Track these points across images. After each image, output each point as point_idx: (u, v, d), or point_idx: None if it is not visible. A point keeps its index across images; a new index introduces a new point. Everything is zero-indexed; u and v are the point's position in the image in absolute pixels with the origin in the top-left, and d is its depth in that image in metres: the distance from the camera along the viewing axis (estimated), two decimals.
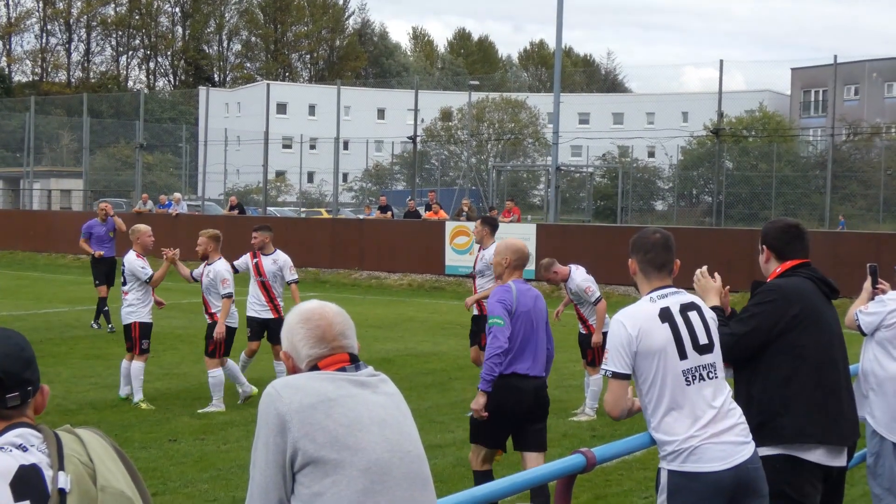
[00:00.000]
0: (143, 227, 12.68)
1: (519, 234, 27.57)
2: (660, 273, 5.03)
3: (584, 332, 12.44)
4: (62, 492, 2.54)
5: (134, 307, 12.15)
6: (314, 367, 3.45)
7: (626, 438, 5.68)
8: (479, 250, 12.92)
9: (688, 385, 4.81)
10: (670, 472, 4.85)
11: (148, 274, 12.06)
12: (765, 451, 5.14)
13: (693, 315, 4.92)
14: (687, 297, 5.00)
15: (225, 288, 11.78)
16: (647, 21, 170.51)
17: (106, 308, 17.62)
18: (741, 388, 5.16)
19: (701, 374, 4.85)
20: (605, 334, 11.99)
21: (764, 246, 5.69)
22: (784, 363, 5.36)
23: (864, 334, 6.96)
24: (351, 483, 3.21)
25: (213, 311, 11.97)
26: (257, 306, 12.49)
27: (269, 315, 12.43)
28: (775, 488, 5.04)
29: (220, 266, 11.96)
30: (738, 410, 4.95)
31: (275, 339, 11.90)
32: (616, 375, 4.86)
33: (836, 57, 37.49)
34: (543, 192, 46.69)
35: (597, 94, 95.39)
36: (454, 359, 15.56)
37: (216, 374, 11.77)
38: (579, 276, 12.12)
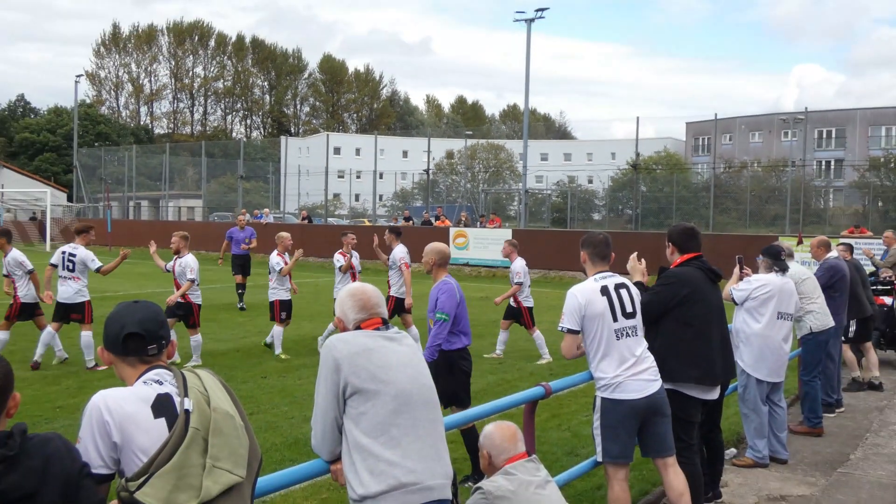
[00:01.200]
0: (285, 234, 12.41)
1: (499, 236, 27.56)
2: (602, 262, 5.05)
3: (513, 306, 12.14)
4: (187, 412, 2.53)
5: (276, 289, 11.96)
6: (357, 328, 3.45)
7: (572, 375, 5.68)
8: (375, 248, 12.75)
9: (617, 340, 4.83)
10: (602, 398, 4.89)
11: (280, 266, 11.89)
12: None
13: (623, 291, 4.95)
14: (619, 279, 5.02)
15: (190, 275, 11.04)
16: (587, 89, 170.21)
17: (241, 291, 17.21)
18: (648, 342, 5.15)
19: (626, 332, 4.87)
20: (530, 308, 12.16)
21: (669, 242, 5.68)
22: (674, 327, 5.38)
23: (736, 304, 6.98)
24: (385, 405, 3.23)
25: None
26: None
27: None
28: (670, 411, 5.07)
29: (189, 259, 11.25)
30: (651, 358, 4.97)
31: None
32: (570, 331, 4.90)
33: (716, 114, 37.92)
34: (517, 207, 46.62)
35: (553, 140, 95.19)
36: None
37: (196, 339, 11.17)
38: (519, 265, 12.07)
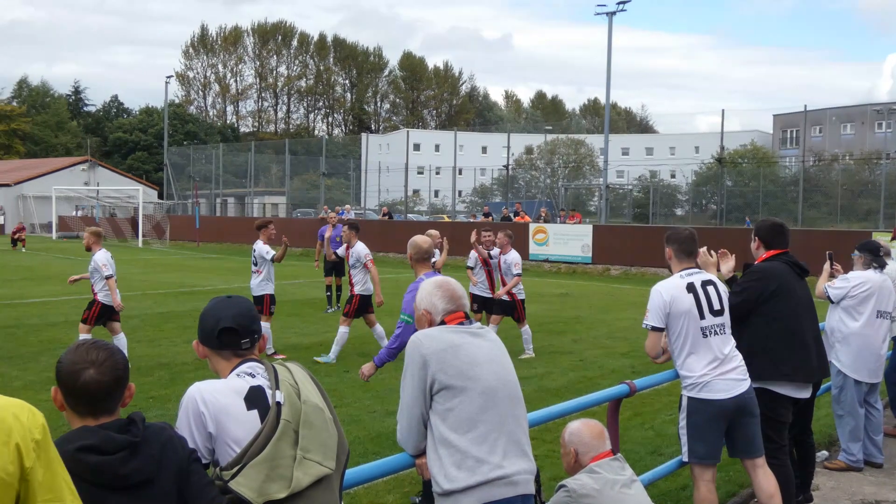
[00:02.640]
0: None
1: (579, 232, 27.31)
2: (688, 258, 4.94)
3: (506, 299, 11.61)
4: (278, 404, 2.58)
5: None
6: (442, 321, 3.45)
7: (657, 374, 5.58)
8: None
9: (704, 337, 4.73)
10: (689, 398, 4.79)
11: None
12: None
13: (710, 288, 4.83)
14: (706, 275, 4.91)
15: (105, 271, 10.24)
16: (670, 82, 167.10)
17: (329, 294, 16.76)
18: (736, 340, 5.02)
19: (714, 330, 4.76)
20: (522, 301, 11.68)
21: (756, 237, 5.54)
22: (762, 324, 5.23)
23: (832, 302, 6.73)
24: (472, 401, 3.23)
25: (95, 290, 10.42)
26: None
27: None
28: (759, 411, 4.94)
29: (100, 255, 10.34)
30: (740, 357, 4.85)
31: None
32: (654, 329, 4.81)
33: (805, 106, 36.63)
34: (597, 203, 46.05)
35: (634, 134, 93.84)
36: (535, 317, 15.43)
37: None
38: (516, 256, 11.78)
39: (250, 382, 2.67)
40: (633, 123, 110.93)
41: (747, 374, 4.82)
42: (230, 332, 2.77)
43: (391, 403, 7.96)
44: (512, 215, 32.14)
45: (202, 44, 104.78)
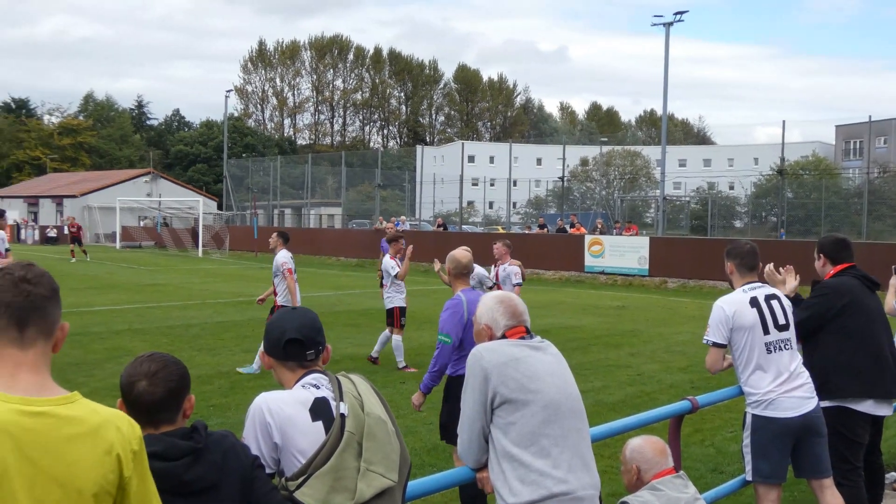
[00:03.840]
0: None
1: (636, 244, 26.99)
2: (750, 273, 4.85)
3: None
4: (342, 416, 2.60)
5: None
6: (503, 336, 3.44)
7: (719, 390, 5.47)
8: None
9: (769, 353, 4.63)
10: (754, 415, 4.69)
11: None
12: (826, 403, 4.92)
13: (775, 303, 4.73)
14: (770, 290, 4.82)
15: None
16: (727, 93, 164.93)
17: None
18: (806, 358, 4.89)
19: (779, 346, 4.66)
20: None
21: (821, 254, 5.40)
22: (835, 340, 5.09)
23: None
24: (534, 415, 3.20)
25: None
26: None
27: None
28: (835, 430, 4.80)
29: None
30: (806, 374, 4.74)
31: None
32: (715, 345, 4.72)
33: (870, 116, 35.70)
34: (654, 214, 45.53)
35: (692, 145, 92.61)
36: (591, 330, 15.34)
37: None
38: (515, 267, 11.51)
39: (315, 394, 2.69)
40: (690, 135, 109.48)
41: (814, 392, 4.70)
42: (295, 344, 2.79)
43: None
44: (567, 227, 31.96)
45: (260, 58, 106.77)
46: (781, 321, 4.69)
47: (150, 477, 2.06)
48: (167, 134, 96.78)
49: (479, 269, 10.76)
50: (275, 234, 11.70)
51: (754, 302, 4.69)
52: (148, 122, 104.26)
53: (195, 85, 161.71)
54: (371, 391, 2.77)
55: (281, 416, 2.60)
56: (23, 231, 53.84)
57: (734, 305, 4.69)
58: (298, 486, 2.48)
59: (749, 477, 4.76)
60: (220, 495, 2.31)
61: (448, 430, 5.32)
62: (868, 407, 5.06)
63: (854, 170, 55.14)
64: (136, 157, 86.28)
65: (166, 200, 55.14)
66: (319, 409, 2.64)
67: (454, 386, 5.29)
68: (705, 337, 4.80)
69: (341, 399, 2.65)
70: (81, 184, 61.19)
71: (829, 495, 4.70)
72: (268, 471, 2.56)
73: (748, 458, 4.71)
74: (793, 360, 4.70)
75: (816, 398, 4.69)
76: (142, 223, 54.02)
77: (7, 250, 11.50)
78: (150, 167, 69.25)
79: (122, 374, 2.41)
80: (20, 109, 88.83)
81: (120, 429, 1.98)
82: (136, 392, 2.34)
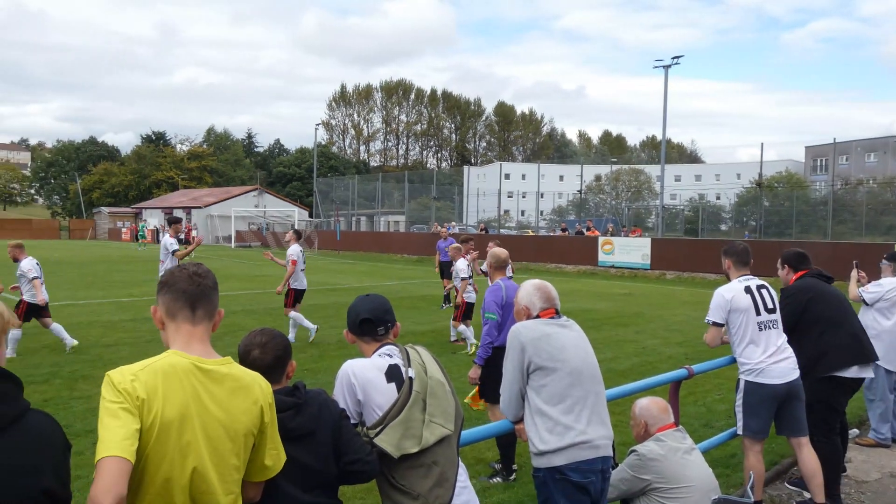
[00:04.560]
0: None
1: (639, 244, 26.53)
2: (744, 267, 4.74)
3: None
4: (410, 378, 2.60)
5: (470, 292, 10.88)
6: (538, 315, 3.40)
7: (710, 360, 5.34)
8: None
9: (760, 331, 4.51)
10: (747, 381, 4.57)
11: (174, 248, 10.75)
12: (818, 375, 4.80)
13: (763, 291, 4.62)
14: (759, 281, 4.70)
15: (31, 274, 9.55)
16: (715, 121, 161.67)
17: (447, 293, 16.15)
18: (794, 345, 4.72)
19: (768, 325, 4.54)
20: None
21: (785, 265, 5.22)
22: (815, 327, 4.93)
23: (866, 304, 6.32)
24: (561, 379, 3.17)
25: (24, 295, 9.68)
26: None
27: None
28: (820, 399, 4.69)
29: (25, 263, 9.63)
30: (790, 350, 4.60)
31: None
32: (714, 324, 4.63)
33: (835, 138, 34.69)
34: (654, 220, 44.79)
35: (685, 164, 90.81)
36: (604, 312, 15.14)
37: None
38: (461, 264, 11.02)
39: (388, 361, 2.69)
40: (683, 155, 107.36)
41: (797, 366, 4.57)
42: (368, 322, 2.79)
43: None
44: (584, 230, 31.61)
45: (342, 98, 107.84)
46: (770, 305, 4.57)
47: (276, 424, 2.12)
48: (270, 158, 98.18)
49: (459, 264, 10.56)
50: (290, 231, 11.68)
51: (748, 290, 4.58)
52: (255, 149, 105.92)
53: (292, 120, 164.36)
54: (432, 359, 2.77)
55: (363, 378, 2.61)
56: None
57: (732, 292, 4.59)
58: (377, 434, 2.50)
59: (740, 431, 4.65)
60: (316, 440, 2.33)
61: (485, 390, 5.25)
62: (854, 372, 4.92)
63: (820, 182, 53.44)
64: (247, 177, 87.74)
65: (270, 210, 56.00)
66: (393, 374, 2.64)
67: (497, 355, 5.17)
68: (707, 317, 4.69)
69: (409, 365, 2.65)
70: (205, 197, 62.42)
71: (806, 452, 4.57)
72: (352, 421, 2.58)
73: (740, 415, 4.60)
74: (779, 337, 4.57)
75: (798, 370, 4.55)
76: (251, 228, 54.93)
77: (175, 251, 10.75)
78: (258, 184, 70.36)
79: (239, 345, 2.43)
80: (159, 140, 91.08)
81: (261, 386, 2.07)
82: (251, 358, 2.37)
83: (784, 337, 4.63)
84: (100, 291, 18.29)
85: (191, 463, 1.86)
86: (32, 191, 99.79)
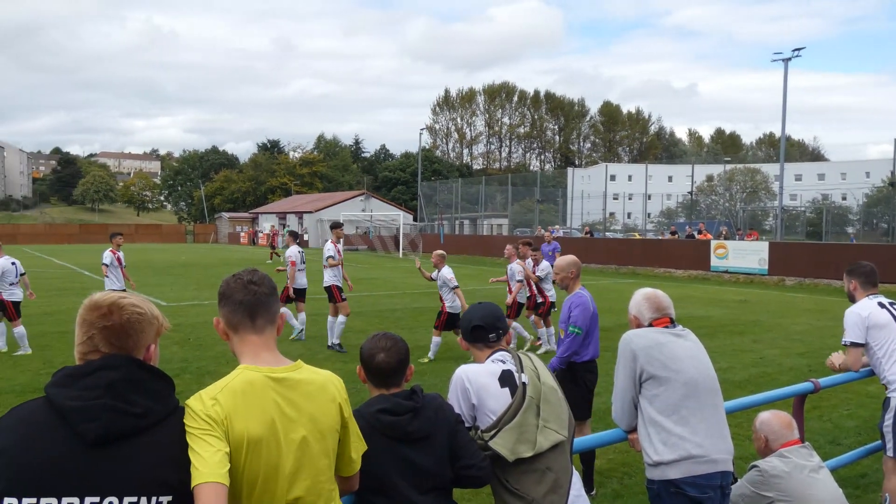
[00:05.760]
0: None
1: (756, 248, 25.20)
2: (872, 287, 4.48)
3: (540, 301, 10.92)
4: (524, 384, 2.63)
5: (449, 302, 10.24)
6: (650, 325, 3.34)
7: (839, 374, 4.99)
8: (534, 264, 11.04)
9: None
10: None
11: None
12: None
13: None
14: (886, 299, 4.43)
15: (7, 278, 9.92)
16: (840, 116, 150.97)
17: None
18: None
19: None
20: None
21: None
22: None
23: None
24: (676, 390, 3.10)
25: (3, 295, 9.91)
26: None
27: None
28: None
29: (445, 270, 9.98)
30: None
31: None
32: (854, 344, 4.38)
33: None
34: (772, 222, 42.39)
35: (806, 162, 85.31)
36: (717, 320, 14.49)
37: None
38: (517, 266, 10.86)
39: (501, 367, 2.73)
40: (805, 153, 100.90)
41: None
42: (479, 329, 2.83)
43: (600, 387, 7.83)
44: (695, 233, 30.39)
45: (446, 103, 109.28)
46: None
47: (354, 419, 2.16)
48: (376, 163, 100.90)
49: (444, 272, 9.98)
50: (287, 233, 11.69)
51: (882, 305, 4.37)
52: (363, 155, 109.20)
53: (397, 126, 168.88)
54: (544, 366, 2.78)
55: (477, 383, 2.65)
56: (276, 238, 57.76)
57: (868, 309, 4.37)
58: (492, 437, 2.54)
59: (890, 453, 4.37)
60: (433, 443, 2.39)
61: (573, 408, 5.12)
62: None
63: None
64: (354, 182, 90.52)
65: (376, 214, 57.45)
66: (506, 379, 2.68)
67: (578, 370, 5.16)
68: (844, 338, 4.45)
69: (522, 371, 2.68)
70: (315, 202, 64.86)
71: None
72: (466, 425, 2.62)
73: (889, 436, 4.33)
74: None
75: None
76: (358, 231, 56.64)
77: (329, 257, 10.98)
78: (364, 189, 72.43)
79: (362, 348, 2.51)
80: (273, 148, 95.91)
81: (335, 384, 2.10)
82: (376, 361, 2.46)
83: None
84: None
85: (284, 474, 1.89)
86: (162, 197, 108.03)
